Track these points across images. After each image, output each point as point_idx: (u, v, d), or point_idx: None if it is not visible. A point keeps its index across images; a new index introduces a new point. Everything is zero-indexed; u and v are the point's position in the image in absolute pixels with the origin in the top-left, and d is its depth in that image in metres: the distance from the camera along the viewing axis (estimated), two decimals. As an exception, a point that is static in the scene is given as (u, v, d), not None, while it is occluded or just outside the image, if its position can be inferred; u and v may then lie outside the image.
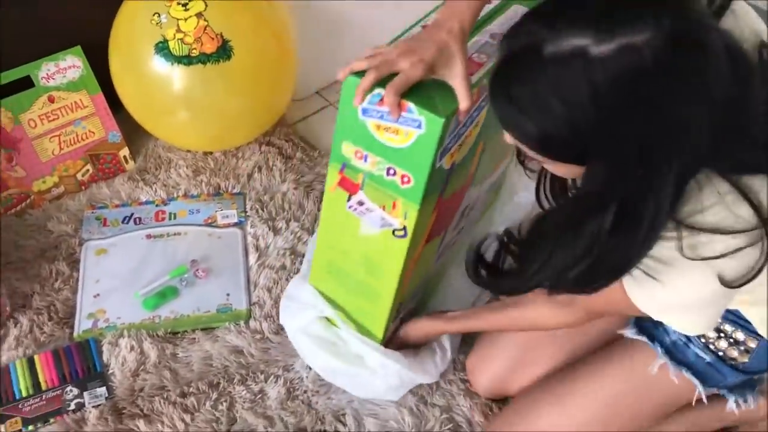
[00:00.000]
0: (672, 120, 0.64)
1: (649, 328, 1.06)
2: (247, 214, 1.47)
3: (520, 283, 0.87)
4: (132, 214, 1.47)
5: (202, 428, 1.14)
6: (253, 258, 1.39)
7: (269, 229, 1.43)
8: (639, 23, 0.61)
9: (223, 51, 1.35)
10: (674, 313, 0.86)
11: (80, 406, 1.16)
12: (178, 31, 1.33)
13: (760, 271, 0.75)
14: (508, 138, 0.75)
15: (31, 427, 1.13)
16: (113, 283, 1.34)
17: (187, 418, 1.15)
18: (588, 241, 0.73)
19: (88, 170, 1.51)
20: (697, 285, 0.78)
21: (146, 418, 1.15)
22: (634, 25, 0.61)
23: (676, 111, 0.63)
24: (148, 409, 1.16)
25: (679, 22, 0.62)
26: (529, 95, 0.66)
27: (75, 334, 1.26)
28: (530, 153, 0.73)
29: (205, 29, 1.34)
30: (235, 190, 1.52)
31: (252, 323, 1.28)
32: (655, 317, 0.86)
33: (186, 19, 1.33)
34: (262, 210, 1.47)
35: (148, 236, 1.43)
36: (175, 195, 1.50)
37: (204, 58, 1.34)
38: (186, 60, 1.34)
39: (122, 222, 1.46)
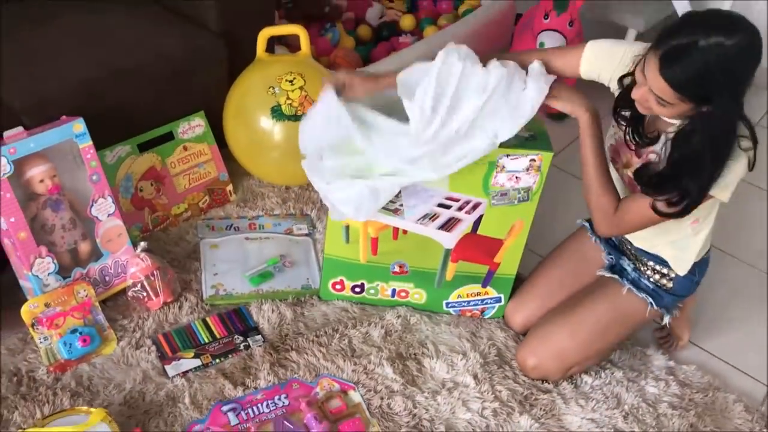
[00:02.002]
0: (747, 81, 1.29)
1: (616, 269, 1.72)
2: (315, 228, 2.06)
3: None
4: (232, 224, 2.03)
5: (334, 355, 1.69)
6: (321, 256, 1.97)
7: None
8: (738, 31, 1.25)
9: (317, 111, 1.97)
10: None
11: (247, 347, 1.70)
12: (287, 98, 1.94)
13: None
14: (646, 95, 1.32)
15: (218, 360, 1.66)
16: (225, 267, 1.89)
17: (323, 349, 1.70)
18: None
19: (206, 200, 2.06)
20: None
21: (295, 350, 1.69)
22: (736, 31, 1.25)
23: (749, 77, 1.28)
24: (295, 345, 1.71)
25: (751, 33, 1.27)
26: (692, 65, 1.25)
27: (205, 297, 1.79)
28: (672, 99, 1.29)
29: (305, 97, 1.96)
30: (308, 213, 2.10)
31: (347, 295, 1.86)
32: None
33: (292, 90, 1.95)
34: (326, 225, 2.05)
35: (246, 238, 1.99)
36: (262, 213, 2.08)
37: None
38: (293, 118, 1.95)
39: (225, 228, 2.02)
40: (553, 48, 1.71)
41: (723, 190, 1.39)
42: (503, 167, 1.61)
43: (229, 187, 2.10)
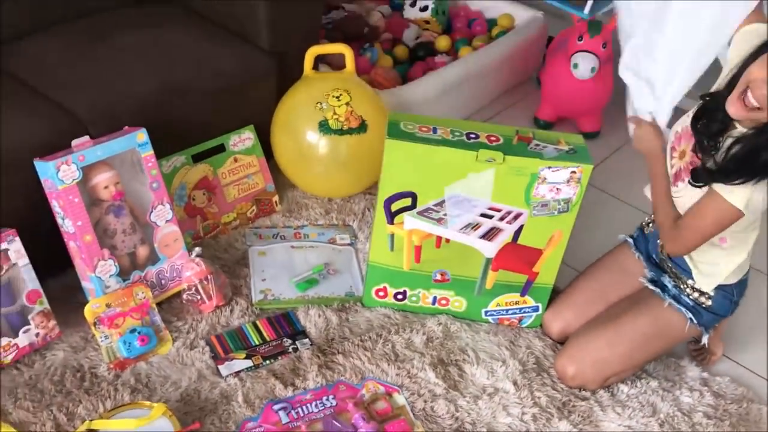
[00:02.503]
0: None
1: (658, 285, 1.77)
2: (357, 238, 2.14)
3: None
4: (278, 233, 2.11)
5: (378, 359, 1.76)
6: (363, 266, 2.04)
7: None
8: None
9: (362, 127, 2.06)
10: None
11: (295, 350, 1.77)
12: (334, 113, 2.03)
13: None
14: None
15: (268, 362, 1.73)
16: (273, 273, 1.97)
17: (368, 353, 1.77)
18: None
19: (253, 210, 2.15)
20: None
21: (341, 354, 1.77)
22: None
23: None
24: (341, 349, 1.78)
25: None
26: None
27: (254, 302, 1.87)
28: None
29: (351, 112, 2.04)
30: (350, 224, 2.18)
31: (389, 303, 1.93)
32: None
33: (339, 106, 2.04)
34: (367, 236, 2.13)
35: (292, 247, 2.07)
36: (307, 223, 2.16)
37: (351, 131, 2.04)
38: (339, 132, 2.03)
39: (272, 237, 2.10)
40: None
41: (740, 200, 1.46)
42: (545, 179, 1.69)
43: (275, 198, 2.19)
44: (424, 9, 2.95)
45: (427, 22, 2.96)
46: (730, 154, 1.47)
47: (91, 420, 1.51)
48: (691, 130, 1.60)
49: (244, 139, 2.12)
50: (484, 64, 2.71)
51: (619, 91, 2.60)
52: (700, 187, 1.53)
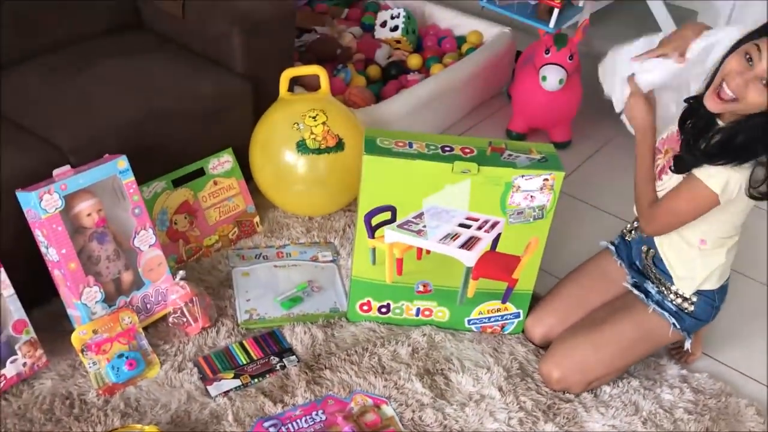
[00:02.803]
0: None
1: (641, 290, 1.82)
2: (339, 254, 2.17)
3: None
4: (260, 253, 2.14)
5: (365, 372, 1.79)
6: (346, 281, 2.07)
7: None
8: None
9: (340, 145, 2.09)
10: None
11: (283, 367, 1.79)
12: (311, 133, 2.07)
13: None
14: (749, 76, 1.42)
15: (256, 380, 1.75)
16: (257, 293, 2.00)
17: (355, 367, 1.80)
18: None
19: (235, 231, 2.17)
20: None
21: (328, 369, 1.79)
22: None
23: None
24: (328, 364, 1.80)
25: None
26: None
27: (239, 322, 1.90)
28: None
29: (328, 131, 2.08)
30: (331, 241, 2.21)
31: (373, 317, 1.96)
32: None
33: (316, 126, 2.08)
34: (348, 252, 2.16)
35: (275, 266, 2.10)
36: (289, 242, 2.18)
37: (328, 150, 2.08)
38: (317, 151, 2.07)
39: (255, 257, 2.12)
40: None
41: (718, 183, 1.52)
42: (519, 187, 1.73)
43: (256, 219, 2.21)
44: (394, 29, 3.01)
45: (398, 41, 3.02)
46: (713, 142, 1.54)
47: (83, 445, 1.52)
48: (679, 129, 1.67)
49: (223, 162, 2.14)
50: (455, 80, 2.77)
51: (586, 102, 2.70)
52: (682, 174, 1.60)
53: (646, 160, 1.70)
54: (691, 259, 1.72)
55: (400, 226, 1.80)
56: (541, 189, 1.74)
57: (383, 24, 3.05)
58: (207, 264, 2.08)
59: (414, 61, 2.94)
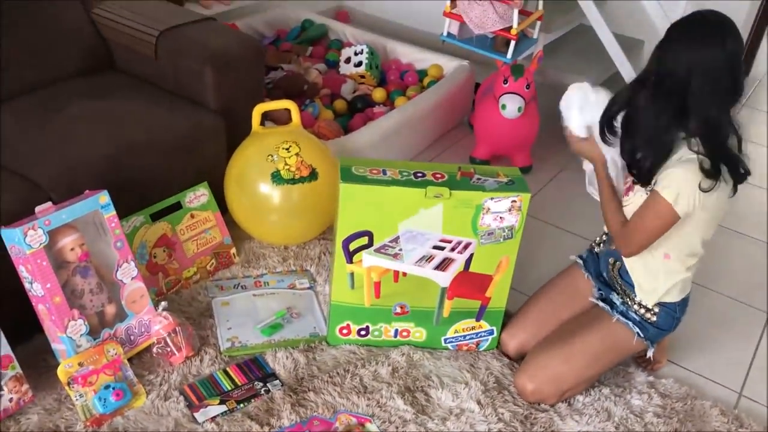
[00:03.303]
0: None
1: (607, 302, 1.92)
2: (315, 281, 2.23)
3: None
4: (239, 283, 2.19)
5: (348, 392, 1.84)
6: (324, 307, 2.13)
7: (329, 287, 2.18)
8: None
9: (313, 175, 2.17)
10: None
11: (267, 391, 1.83)
12: (285, 164, 2.14)
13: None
14: None
15: (242, 405, 1.79)
16: (238, 321, 2.04)
17: (337, 388, 1.85)
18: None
19: (213, 263, 2.22)
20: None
21: (312, 391, 1.84)
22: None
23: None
24: (311, 386, 1.85)
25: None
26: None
27: (222, 350, 1.94)
28: None
29: (302, 162, 2.15)
30: (308, 269, 2.27)
31: (352, 340, 2.02)
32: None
33: (289, 157, 2.15)
34: (325, 279, 2.22)
35: (253, 295, 2.15)
36: (266, 271, 2.24)
37: (302, 180, 2.15)
38: (292, 181, 2.14)
39: (233, 287, 2.17)
40: None
41: (670, 194, 1.63)
42: (489, 209, 1.82)
43: (233, 250, 2.26)
44: (358, 64, 3.12)
45: (362, 76, 3.13)
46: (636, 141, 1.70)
47: (75, 475, 1.54)
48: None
49: (199, 195, 2.20)
50: (419, 111, 2.89)
51: (544, 129, 2.83)
52: (644, 187, 1.72)
53: (605, 188, 1.84)
54: (656, 272, 1.82)
55: (377, 250, 1.87)
56: (510, 210, 1.84)
57: (347, 60, 3.16)
58: (186, 295, 2.12)
59: (378, 94, 3.04)
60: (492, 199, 1.82)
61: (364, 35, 3.40)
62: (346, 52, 3.18)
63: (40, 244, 1.69)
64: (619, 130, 1.76)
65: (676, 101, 1.61)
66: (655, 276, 1.83)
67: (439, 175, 1.86)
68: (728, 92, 1.62)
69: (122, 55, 2.41)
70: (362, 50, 3.14)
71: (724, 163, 1.63)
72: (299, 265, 2.28)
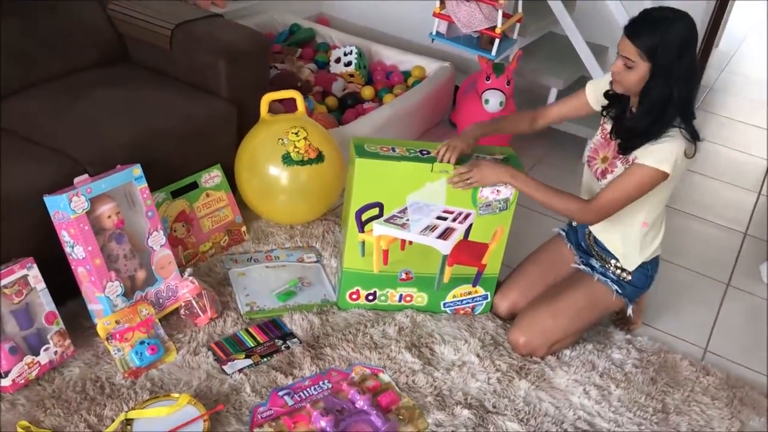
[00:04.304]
0: (686, 51, 1.82)
1: (588, 264, 2.15)
2: (322, 256, 2.41)
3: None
4: (251, 257, 2.36)
5: (361, 348, 2.02)
6: (332, 278, 2.32)
7: (335, 261, 2.36)
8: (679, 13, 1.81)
9: (320, 157, 2.36)
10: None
11: (287, 347, 2.01)
12: (295, 147, 2.33)
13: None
14: (619, 65, 1.84)
15: (266, 359, 1.96)
16: (254, 289, 2.22)
17: (351, 345, 2.04)
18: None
19: (226, 239, 2.38)
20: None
21: (328, 347, 2.02)
22: (677, 11, 1.82)
23: (687, 47, 1.81)
24: (327, 343, 2.03)
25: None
26: (645, 23, 1.80)
27: (242, 313, 2.11)
28: (633, 57, 1.79)
29: (309, 145, 2.35)
30: (313, 245, 2.46)
31: (359, 305, 2.21)
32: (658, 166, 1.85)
33: (298, 141, 2.34)
34: (330, 254, 2.41)
35: (266, 267, 2.32)
36: (275, 247, 2.42)
37: (310, 161, 2.34)
38: (301, 162, 2.33)
39: (246, 261, 2.34)
40: (560, 101, 2.20)
41: (662, 163, 1.84)
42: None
43: (243, 228, 2.44)
44: (348, 64, 3.33)
45: (352, 75, 3.34)
46: (640, 124, 1.88)
47: (126, 411, 1.69)
48: (602, 116, 2.04)
49: (213, 176, 2.37)
50: (407, 106, 3.10)
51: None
52: (627, 158, 1.93)
53: (539, 189, 1.98)
54: (635, 241, 2.05)
55: (386, 220, 2.07)
56: (506, 184, 2.05)
57: (337, 60, 3.36)
58: (204, 267, 2.28)
59: (367, 92, 3.25)
60: (490, 173, 2.03)
61: (349, 38, 3.61)
62: (336, 53, 3.39)
63: (83, 209, 1.85)
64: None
65: (674, 83, 1.83)
66: (633, 244, 2.06)
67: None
68: (696, 68, 1.90)
69: (135, 48, 2.58)
70: (351, 51, 3.35)
71: (692, 132, 1.89)
72: (305, 242, 2.46)
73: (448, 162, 2.01)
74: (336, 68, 3.36)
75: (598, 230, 2.11)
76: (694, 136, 1.87)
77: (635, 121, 1.90)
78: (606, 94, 2.03)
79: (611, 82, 1.95)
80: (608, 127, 2.03)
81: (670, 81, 1.81)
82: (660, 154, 1.85)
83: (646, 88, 1.86)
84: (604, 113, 2.05)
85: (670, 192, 2.00)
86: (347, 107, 3.18)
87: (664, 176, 1.87)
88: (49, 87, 2.31)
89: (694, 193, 3.24)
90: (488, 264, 2.18)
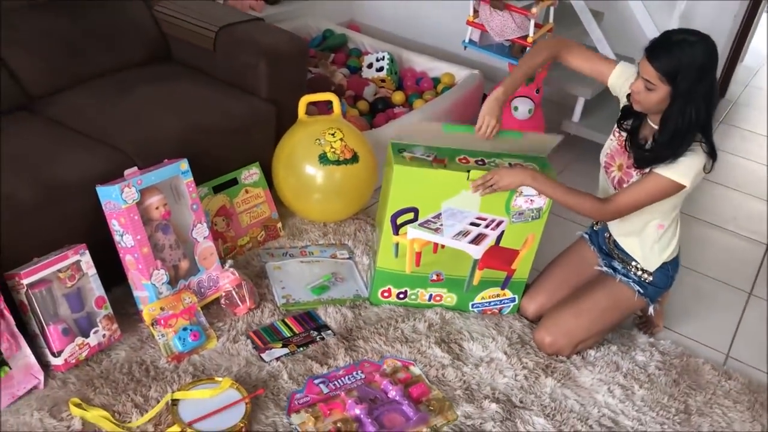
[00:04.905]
0: (706, 75, 1.84)
1: (610, 266, 2.21)
2: (354, 253, 2.49)
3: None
4: (286, 252, 2.44)
5: (392, 342, 2.10)
6: (363, 274, 2.39)
7: (366, 258, 2.44)
8: (699, 36, 1.84)
9: (355, 158, 2.44)
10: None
11: (322, 338, 2.09)
12: (331, 147, 2.41)
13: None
14: (639, 86, 1.87)
15: (302, 349, 2.04)
16: (290, 282, 2.30)
17: (383, 338, 2.11)
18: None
19: (262, 234, 2.47)
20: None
21: (361, 339, 2.10)
22: (697, 35, 1.84)
23: (707, 71, 1.84)
24: (360, 336, 2.11)
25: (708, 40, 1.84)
26: (666, 47, 1.82)
27: (279, 304, 2.19)
28: (654, 80, 1.82)
29: (345, 146, 2.43)
30: (346, 243, 2.54)
31: (391, 301, 2.29)
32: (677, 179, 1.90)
33: (335, 141, 2.42)
34: (362, 251, 2.49)
35: (301, 262, 2.41)
36: (310, 243, 2.50)
37: (346, 161, 2.42)
38: (336, 162, 2.41)
39: (282, 255, 2.42)
40: (589, 55, 2.18)
41: (681, 177, 1.90)
42: (521, 192, 2.10)
43: (279, 224, 2.52)
44: (380, 69, 3.42)
45: (383, 80, 3.42)
46: (660, 140, 1.93)
47: (172, 392, 1.77)
48: (617, 128, 2.09)
49: (252, 173, 2.46)
50: (436, 112, 3.17)
51: (547, 131, 3.14)
52: (644, 171, 1.98)
53: (559, 190, 2.05)
54: (651, 243, 2.12)
55: (421, 225, 2.14)
56: (539, 194, 2.11)
57: (369, 65, 3.45)
58: (242, 260, 2.37)
59: (398, 97, 3.34)
60: (525, 183, 2.10)
61: (380, 44, 3.70)
62: (369, 59, 3.48)
63: (133, 200, 1.94)
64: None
65: (696, 100, 1.87)
66: (651, 246, 2.12)
67: (480, 161, 2.13)
68: (715, 89, 1.93)
69: (178, 48, 2.67)
70: (384, 57, 3.44)
71: (710, 147, 1.93)
72: (338, 240, 2.54)
73: (491, 132, 2.15)
74: (368, 73, 3.44)
75: (616, 233, 2.18)
76: (712, 153, 1.92)
77: (657, 149, 1.93)
78: (624, 109, 2.08)
79: (629, 96, 1.99)
80: (624, 135, 2.09)
81: (690, 104, 1.85)
82: (680, 167, 1.91)
83: (666, 114, 1.90)
84: (621, 123, 2.10)
85: (683, 197, 2.05)
86: (378, 111, 3.26)
87: (681, 188, 1.93)
88: (97, 83, 2.41)
89: (717, 204, 3.29)
90: (518, 269, 2.24)
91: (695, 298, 2.57)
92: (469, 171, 2.07)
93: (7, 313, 1.77)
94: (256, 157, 2.49)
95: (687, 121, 1.86)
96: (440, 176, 2.07)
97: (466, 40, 2.92)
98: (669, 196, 1.96)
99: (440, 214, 2.13)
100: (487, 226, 2.16)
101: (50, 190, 1.92)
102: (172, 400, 1.75)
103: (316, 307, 2.21)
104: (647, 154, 1.96)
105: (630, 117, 2.06)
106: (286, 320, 2.14)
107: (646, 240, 2.12)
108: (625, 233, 2.15)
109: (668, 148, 1.90)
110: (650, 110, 1.95)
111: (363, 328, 2.15)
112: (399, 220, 2.14)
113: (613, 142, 2.16)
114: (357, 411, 1.84)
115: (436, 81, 3.55)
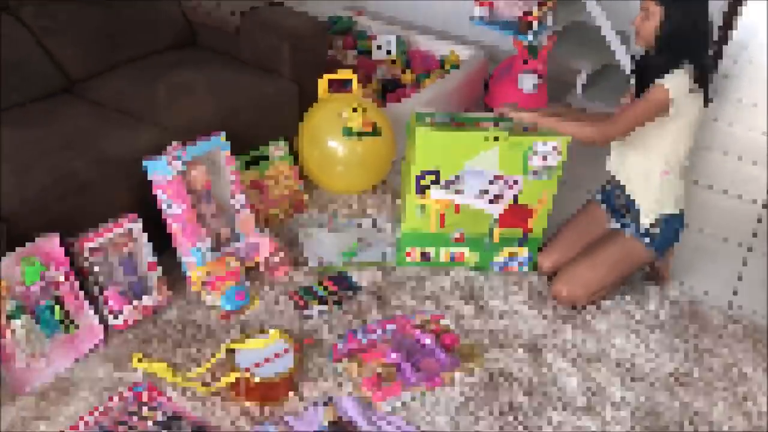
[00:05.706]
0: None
1: (620, 223, 2.37)
2: (377, 220, 2.64)
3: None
4: (315, 221, 2.59)
5: (420, 298, 2.26)
6: (388, 239, 2.54)
7: (389, 225, 2.59)
8: None
9: (375, 131, 2.59)
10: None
11: (356, 297, 2.24)
12: (354, 121, 2.56)
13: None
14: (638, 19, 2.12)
15: (338, 306, 2.19)
16: (322, 248, 2.45)
17: (410, 295, 2.27)
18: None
19: (290, 206, 2.62)
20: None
21: (392, 297, 2.25)
22: None
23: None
24: (390, 294, 2.27)
25: None
26: None
27: (314, 268, 2.34)
28: (651, 8, 2.08)
29: (367, 119, 2.58)
30: (369, 212, 2.68)
31: (416, 263, 2.44)
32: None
33: (357, 116, 2.57)
34: (385, 219, 2.64)
35: (328, 230, 2.56)
36: (335, 213, 2.65)
37: (368, 134, 2.57)
38: (359, 135, 2.56)
39: (311, 225, 2.57)
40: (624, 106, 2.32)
41: (666, 82, 2.08)
42: (536, 151, 2.25)
43: (305, 196, 2.67)
44: (389, 52, 3.56)
45: (393, 61, 3.57)
46: (653, 53, 2.17)
47: (228, 343, 1.92)
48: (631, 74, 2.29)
49: (279, 149, 2.60)
50: (445, 90, 3.32)
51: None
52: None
53: (558, 125, 2.24)
54: (655, 190, 2.27)
55: (444, 186, 2.29)
56: (553, 152, 2.27)
57: (379, 47, 3.59)
58: (274, 229, 2.51)
59: (408, 77, 3.48)
60: (540, 142, 2.25)
61: (387, 28, 3.84)
62: (378, 41, 3.62)
63: (179, 171, 2.08)
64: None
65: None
66: (654, 193, 2.28)
67: (495, 124, 2.28)
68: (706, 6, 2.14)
69: (203, 33, 2.81)
70: (392, 39, 3.58)
71: (701, 77, 2.13)
72: (361, 209, 2.69)
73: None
74: (378, 54, 3.58)
75: (624, 179, 2.35)
76: (703, 75, 2.12)
77: (651, 58, 2.16)
78: (633, 61, 2.27)
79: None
80: (633, 89, 2.26)
81: (681, 17, 2.07)
82: (668, 78, 2.09)
83: (661, 26, 2.10)
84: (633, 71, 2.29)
85: (684, 137, 2.20)
86: (388, 91, 3.40)
87: (666, 96, 2.09)
88: (131, 67, 2.55)
89: (715, 170, 3.45)
90: (533, 226, 2.40)
91: (699, 253, 2.73)
92: (488, 131, 2.21)
93: (72, 276, 1.92)
94: (281, 134, 2.64)
95: (678, 30, 2.09)
96: (461, 138, 2.22)
97: (475, 17, 3.07)
98: (660, 108, 2.11)
99: (461, 174, 2.27)
100: (505, 185, 2.31)
101: (102, 165, 2.06)
102: (228, 350, 1.90)
103: (347, 270, 2.36)
104: (644, 67, 2.16)
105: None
106: (321, 281, 2.29)
107: (650, 186, 2.28)
108: (632, 176, 2.31)
109: (660, 57, 2.11)
110: (650, 39, 2.15)
111: (392, 287, 2.30)
112: (423, 182, 2.29)
113: (626, 99, 2.32)
114: (394, 356, 1.99)
115: (443, 60, 3.69)
